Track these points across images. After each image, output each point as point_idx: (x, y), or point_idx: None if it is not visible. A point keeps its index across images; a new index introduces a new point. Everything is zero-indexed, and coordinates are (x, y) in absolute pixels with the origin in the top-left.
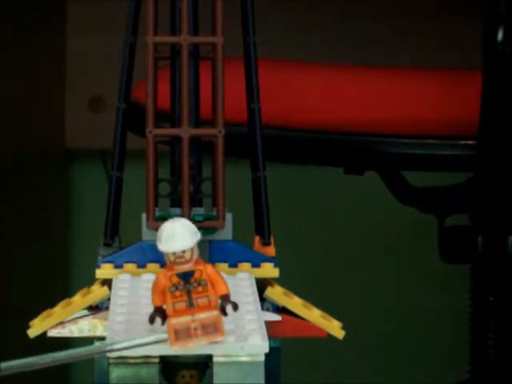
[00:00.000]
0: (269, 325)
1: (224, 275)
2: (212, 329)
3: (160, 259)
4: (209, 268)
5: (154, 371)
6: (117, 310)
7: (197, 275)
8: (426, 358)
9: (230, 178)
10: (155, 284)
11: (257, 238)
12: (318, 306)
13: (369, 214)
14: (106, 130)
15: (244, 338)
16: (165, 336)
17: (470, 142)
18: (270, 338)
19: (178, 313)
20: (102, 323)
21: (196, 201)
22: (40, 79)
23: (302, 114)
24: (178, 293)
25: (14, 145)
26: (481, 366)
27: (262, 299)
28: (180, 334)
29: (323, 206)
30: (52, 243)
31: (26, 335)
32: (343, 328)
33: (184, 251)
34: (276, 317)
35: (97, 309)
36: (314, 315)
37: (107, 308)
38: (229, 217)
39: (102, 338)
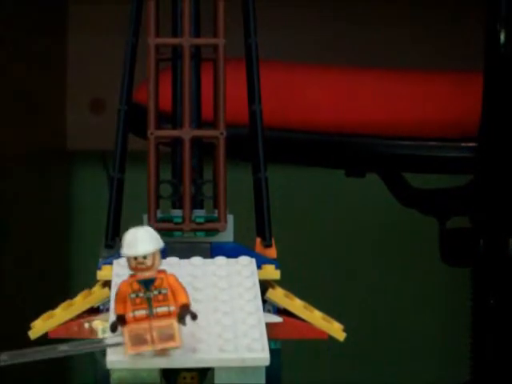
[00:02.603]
0: (270, 327)
1: (225, 260)
2: (168, 336)
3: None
4: (170, 277)
5: (154, 373)
6: None
7: (158, 283)
8: (427, 360)
9: (231, 180)
10: (117, 292)
11: (258, 240)
12: (318, 308)
13: (370, 216)
14: (108, 131)
15: (245, 349)
16: (120, 339)
17: (471, 144)
18: (271, 339)
19: (137, 320)
20: (103, 324)
21: (197, 202)
22: (41, 80)
23: (303, 115)
24: (138, 300)
25: (14, 146)
26: (482, 369)
27: (263, 301)
28: (135, 340)
29: (324, 207)
30: (53, 244)
31: (27, 336)
32: (343, 328)
33: (145, 257)
34: (277, 318)
35: (98, 310)
36: (315, 317)
37: (108, 310)
38: (230, 218)
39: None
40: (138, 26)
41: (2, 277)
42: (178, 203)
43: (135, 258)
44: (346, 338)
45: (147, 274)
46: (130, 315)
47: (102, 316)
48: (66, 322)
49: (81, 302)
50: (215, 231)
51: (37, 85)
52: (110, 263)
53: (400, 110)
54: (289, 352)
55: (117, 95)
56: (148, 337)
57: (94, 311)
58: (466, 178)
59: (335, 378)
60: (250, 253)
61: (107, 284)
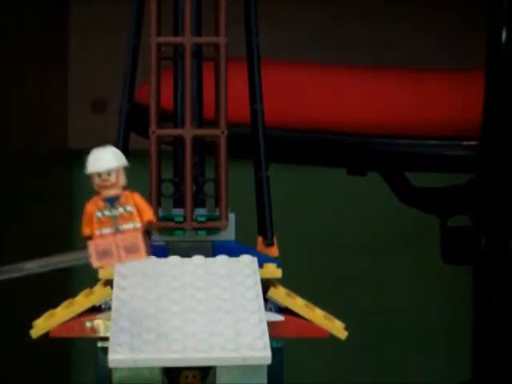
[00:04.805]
0: (271, 325)
1: (227, 259)
2: (134, 249)
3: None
4: (135, 195)
5: (156, 372)
6: (120, 308)
7: (123, 201)
8: (427, 360)
9: (232, 179)
10: (84, 213)
11: (260, 239)
12: (319, 307)
13: (371, 215)
14: (109, 131)
15: (246, 348)
16: (86, 254)
17: (472, 143)
18: (273, 338)
19: (103, 238)
20: (104, 323)
21: (199, 201)
22: (42, 80)
23: (305, 114)
24: (104, 219)
25: (16, 145)
26: (483, 368)
27: (265, 300)
28: (102, 254)
29: (325, 206)
30: (54, 244)
31: (29, 336)
32: (344, 328)
33: (109, 174)
34: (279, 317)
35: (99, 309)
36: (316, 316)
37: (110, 308)
38: (231, 217)
39: (105, 339)
40: (139, 26)
41: None
42: (179, 202)
43: (99, 176)
44: (347, 338)
45: (112, 192)
46: (96, 233)
47: (103, 315)
48: (68, 321)
49: (82, 301)
50: (217, 230)
51: (38, 84)
52: None
53: (401, 108)
54: (290, 351)
55: (118, 95)
56: (114, 250)
57: (96, 310)
58: (467, 177)
59: (335, 377)
60: (252, 251)
61: (109, 283)
